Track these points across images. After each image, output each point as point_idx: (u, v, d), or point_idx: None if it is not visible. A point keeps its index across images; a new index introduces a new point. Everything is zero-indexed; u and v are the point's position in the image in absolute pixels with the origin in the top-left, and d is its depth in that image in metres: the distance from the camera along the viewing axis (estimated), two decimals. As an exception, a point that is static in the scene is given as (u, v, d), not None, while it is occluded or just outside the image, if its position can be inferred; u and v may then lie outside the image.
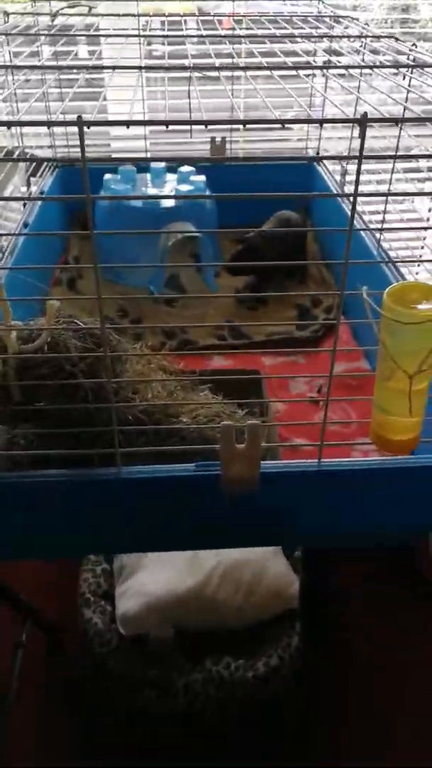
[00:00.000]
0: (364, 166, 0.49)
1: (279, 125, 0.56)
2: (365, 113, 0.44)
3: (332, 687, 1.35)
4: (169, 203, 1.17)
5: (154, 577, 1.27)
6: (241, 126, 1.58)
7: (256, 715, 1.26)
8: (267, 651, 1.22)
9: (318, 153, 1.34)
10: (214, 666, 1.19)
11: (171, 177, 1.24)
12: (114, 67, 0.67)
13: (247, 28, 1.15)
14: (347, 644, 1.42)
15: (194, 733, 1.24)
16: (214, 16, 1.13)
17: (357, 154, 0.46)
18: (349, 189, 1.20)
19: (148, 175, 1.25)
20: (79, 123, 0.42)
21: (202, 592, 1.24)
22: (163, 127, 1.67)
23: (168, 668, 1.19)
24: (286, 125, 1.71)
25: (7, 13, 1.04)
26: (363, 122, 0.44)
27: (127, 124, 0.46)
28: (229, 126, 1.28)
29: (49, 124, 0.48)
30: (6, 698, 1.22)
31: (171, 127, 1.59)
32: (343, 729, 1.29)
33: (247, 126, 1.59)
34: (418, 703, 1.33)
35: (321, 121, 0.57)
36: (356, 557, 1.53)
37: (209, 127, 0.55)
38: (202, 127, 0.54)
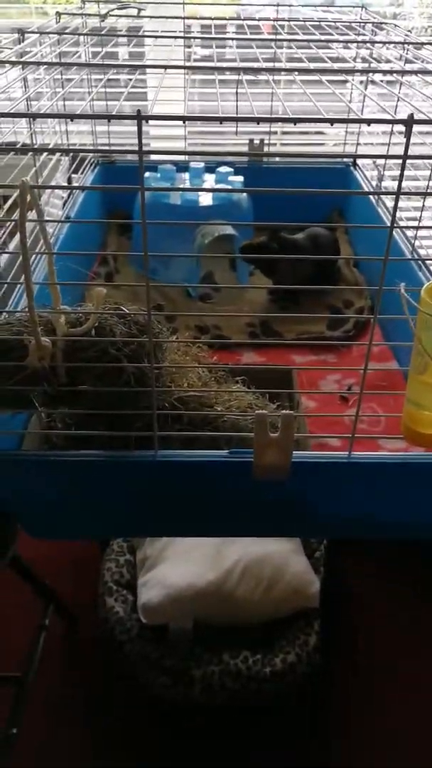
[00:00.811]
0: (397, 173, 0.50)
1: (320, 127, 0.58)
2: (411, 114, 0.46)
3: (335, 688, 1.35)
4: (207, 202, 1.19)
5: (176, 570, 1.29)
6: (278, 130, 1.60)
7: (268, 709, 1.27)
8: (285, 647, 1.23)
9: (355, 156, 1.36)
10: (232, 659, 1.21)
11: (209, 177, 1.27)
12: (165, 67, 0.69)
13: (289, 33, 1.17)
14: (349, 644, 1.42)
15: (206, 722, 1.26)
16: (258, 20, 1.15)
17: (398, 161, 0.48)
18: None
19: (187, 175, 1.28)
20: (138, 117, 0.44)
21: (222, 587, 1.25)
22: (202, 129, 1.69)
23: (185, 658, 1.21)
24: (322, 130, 1.73)
25: (59, 14, 1.07)
26: (409, 123, 0.45)
27: (184, 119, 0.48)
28: (268, 128, 1.30)
29: (109, 117, 0.50)
30: (25, 681, 1.25)
31: (209, 129, 1.60)
32: (345, 731, 1.30)
33: (285, 130, 1.62)
34: (421, 705, 1.33)
35: (368, 121, 0.59)
36: (357, 552, 1.53)
37: (248, 128, 0.57)
38: (241, 128, 0.56)
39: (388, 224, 1.05)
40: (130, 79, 0.97)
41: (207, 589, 1.25)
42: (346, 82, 1.27)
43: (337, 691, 1.34)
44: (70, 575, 1.52)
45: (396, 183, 0.50)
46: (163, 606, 1.24)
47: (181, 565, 1.30)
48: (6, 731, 1.15)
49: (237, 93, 0.70)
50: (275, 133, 1.56)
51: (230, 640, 1.25)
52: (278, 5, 1.20)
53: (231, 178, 1.24)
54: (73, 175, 1.28)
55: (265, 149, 1.31)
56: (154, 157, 1.36)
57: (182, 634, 1.24)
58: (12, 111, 0.80)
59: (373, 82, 1.10)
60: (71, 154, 1.15)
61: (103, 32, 1.02)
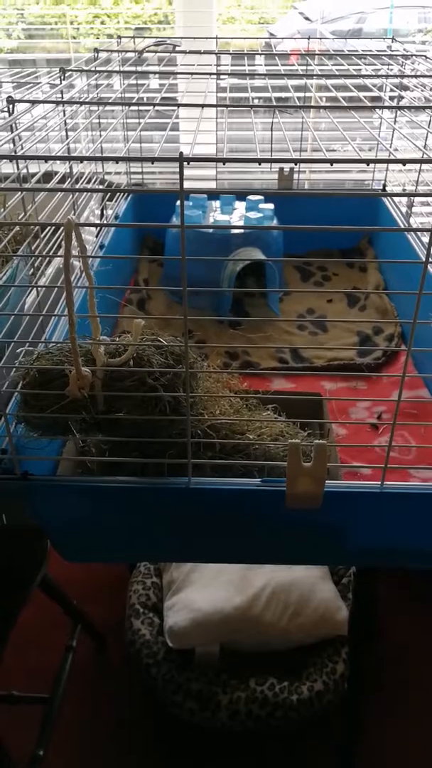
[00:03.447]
0: (428, 199, 0.51)
1: (350, 154, 0.59)
2: (446, 155, 0.47)
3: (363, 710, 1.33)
4: (239, 230, 1.21)
5: (203, 594, 1.29)
6: (307, 157, 1.63)
7: (295, 737, 1.25)
8: (312, 675, 1.22)
9: (384, 184, 1.37)
10: (259, 686, 1.20)
11: (240, 204, 1.29)
12: (203, 105, 0.72)
13: (319, 65, 1.19)
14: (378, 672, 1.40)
15: (231, 749, 1.25)
16: (291, 53, 1.18)
17: (426, 187, 0.49)
18: (415, 220, 1.21)
19: (218, 202, 1.30)
20: (180, 159, 0.46)
21: (249, 612, 1.25)
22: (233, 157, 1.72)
23: (212, 683, 1.20)
24: (347, 156, 1.75)
25: (97, 50, 1.12)
26: (443, 163, 0.46)
27: (224, 161, 0.50)
28: (298, 156, 1.32)
29: (154, 159, 0.52)
30: (53, 702, 1.25)
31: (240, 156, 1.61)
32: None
33: (314, 158, 1.63)
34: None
35: (404, 161, 0.60)
36: (385, 576, 1.51)
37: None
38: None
39: (419, 252, 1.06)
40: (164, 110, 0.99)
41: (234, 614, 1.24)
42: (375, 107, 1.29)
43: (364, 713, 1.32)
44: (98, 596, 1.53)
45: (426, 208, 0.50)
46: (189, 630, 1.24)
47: (208, 590, 1.30)
48: (34, 752, 1.16)
49: (272, 129, 0.72)
50: (306, 160, 1.59)
51: (257, 666, 1.24)
52: (309, 38, 1.23)
53: (261, 205, 1.26)
54: (107, 203, 1.32)
55: (295, 176, 1.33)
56: (186, 185, 1.39)
57: (209, 659, 1.24)
58: (51, 142, 0.84)
59: (402, 112, 1.12)
60: (105, 184, 1.18)
61: (139, 69, 1.06)
